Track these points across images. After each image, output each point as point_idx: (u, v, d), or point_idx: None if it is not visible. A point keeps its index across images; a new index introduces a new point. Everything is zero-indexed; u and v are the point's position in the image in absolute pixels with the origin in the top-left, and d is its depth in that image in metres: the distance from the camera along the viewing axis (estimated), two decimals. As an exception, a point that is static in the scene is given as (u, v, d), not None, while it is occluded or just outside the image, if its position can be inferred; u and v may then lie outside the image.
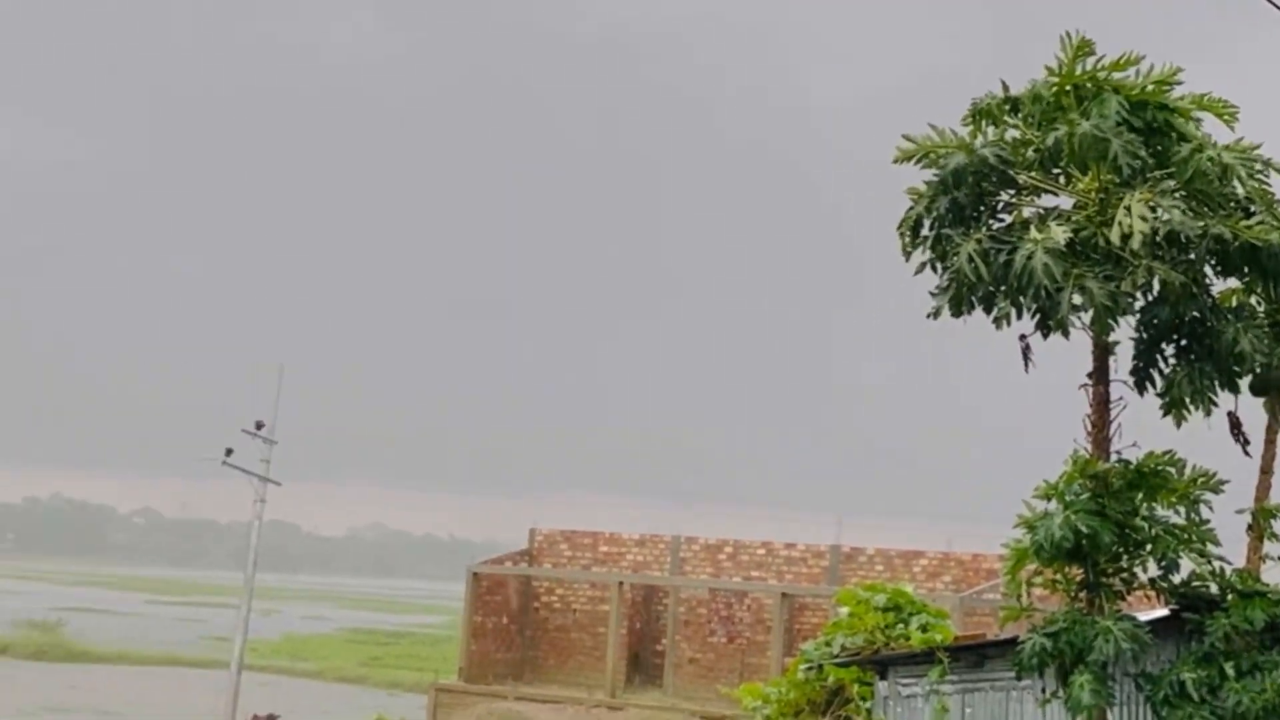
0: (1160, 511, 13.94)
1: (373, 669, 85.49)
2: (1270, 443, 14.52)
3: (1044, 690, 14.47)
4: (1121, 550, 13.80)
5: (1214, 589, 14.07)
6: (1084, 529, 13.30)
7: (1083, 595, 13.80)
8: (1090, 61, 13.41)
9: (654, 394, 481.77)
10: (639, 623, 47.29)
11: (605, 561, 47.25)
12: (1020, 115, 13.81)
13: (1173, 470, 13.90)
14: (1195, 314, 13.58)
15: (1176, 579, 14.03)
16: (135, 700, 66.28)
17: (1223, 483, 14.04)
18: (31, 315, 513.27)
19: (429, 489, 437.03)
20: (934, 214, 13.82)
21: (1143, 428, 14.02)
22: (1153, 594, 14.23)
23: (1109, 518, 13.49)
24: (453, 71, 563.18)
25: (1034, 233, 13.13)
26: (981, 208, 13.82)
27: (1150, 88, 13.40)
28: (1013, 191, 13.90)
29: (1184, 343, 13.76)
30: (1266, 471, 14.50)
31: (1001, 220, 13.85)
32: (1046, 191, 13.83)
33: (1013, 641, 14.62)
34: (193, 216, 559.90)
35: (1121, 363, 13.90)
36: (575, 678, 45.02)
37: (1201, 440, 14.09)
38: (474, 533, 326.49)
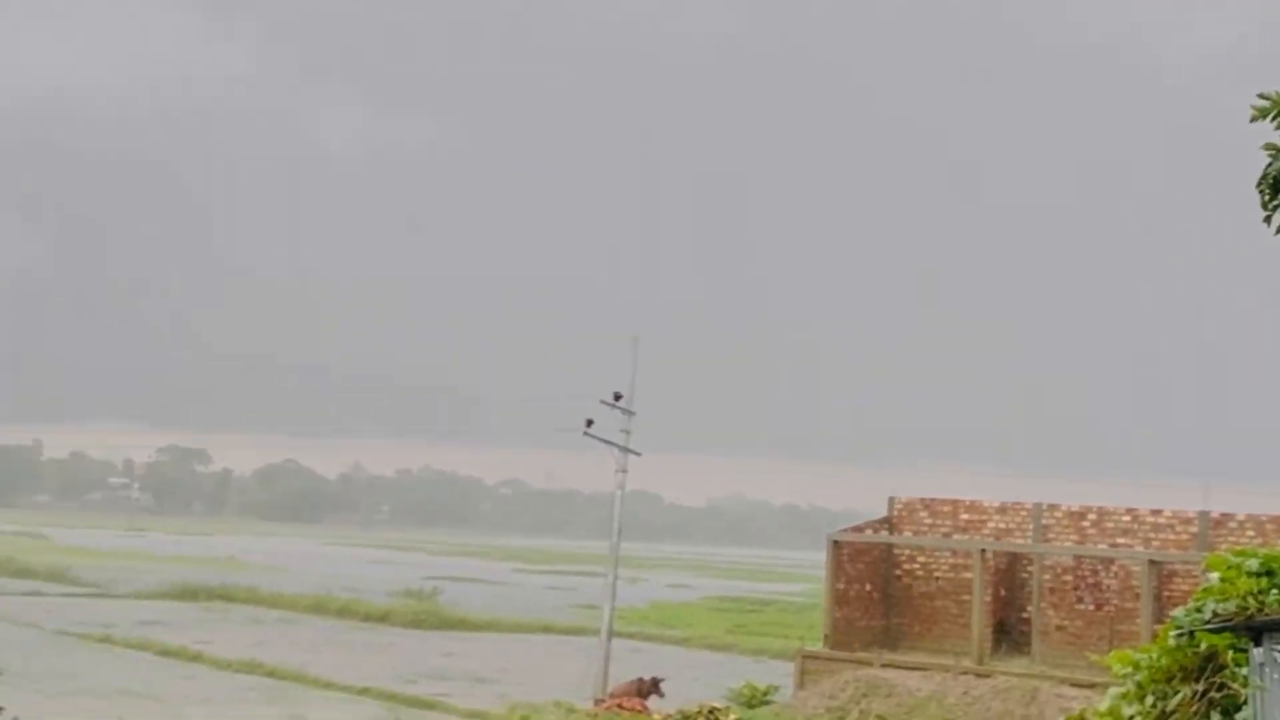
0: None
1: (739, 636, 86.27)
2: None
3: None
4: None
5: None
6: None
7: None
8: None
9: (1011, 362, 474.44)
10: (1003, 590, 46.94)
11: (966, 529, 47.02)
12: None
13: None
14: None
15: None
16: (509, 667, 68.10)
17: None
18: (395, 296, 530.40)
19: (787, 459, 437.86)
20: (1293, 169, 13.57)
21: None
22: None
23: None
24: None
25: (1400, 187, 12.82)
26: (1341, 159, 13.51)
27: None
28: (1373, 144, 13.55)
29: None
30: None
31: (1363, 173, 13.51)
32: None
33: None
34: (542, 192, 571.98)
35: None
36: (940, 645, 44.95)
37: None
38: (833, 502, 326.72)
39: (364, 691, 55.61)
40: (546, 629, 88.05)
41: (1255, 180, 13.96)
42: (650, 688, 38.02)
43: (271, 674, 60.03)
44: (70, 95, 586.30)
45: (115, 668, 60.85)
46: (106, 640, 70.49)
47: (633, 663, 57.64)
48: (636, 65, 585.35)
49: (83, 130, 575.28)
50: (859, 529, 47.50)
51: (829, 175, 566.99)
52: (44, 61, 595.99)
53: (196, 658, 64.82)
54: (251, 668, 61.55)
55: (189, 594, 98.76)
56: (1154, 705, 23.50)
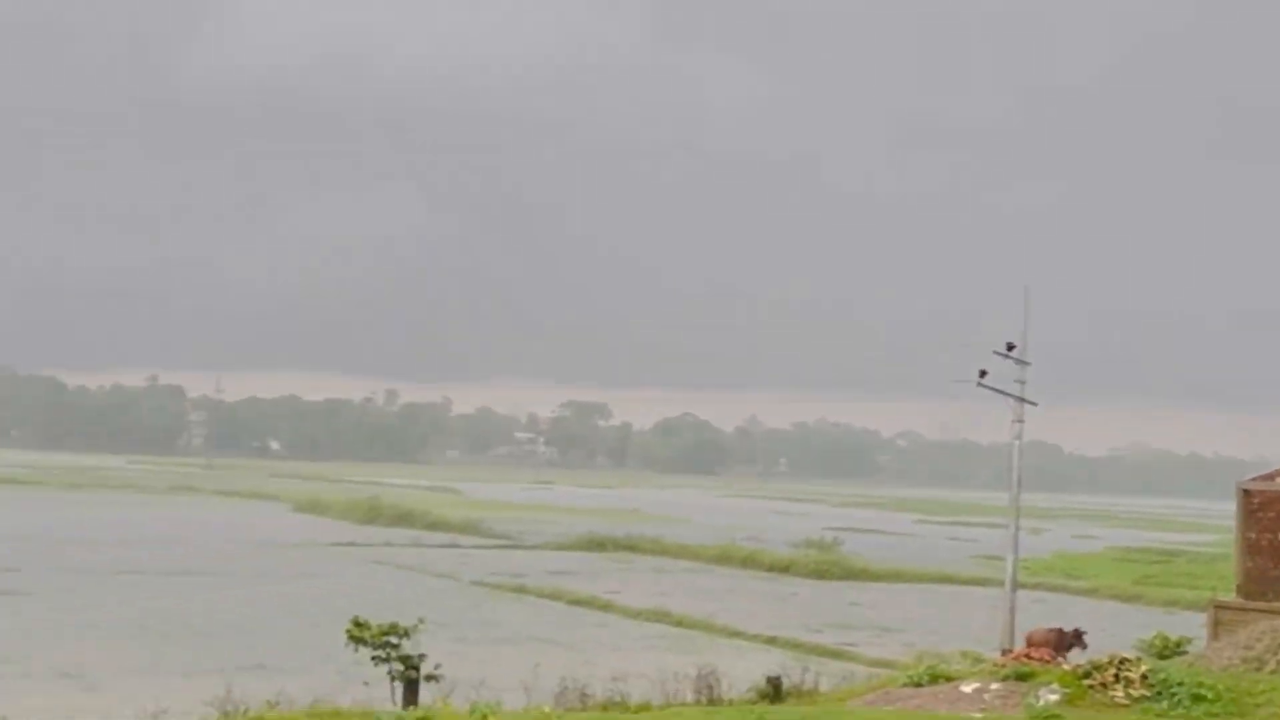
0: None
1: (1147, 587, 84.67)
2: None
3: None
4: None
5: None
6: None
7: None
8: None
9: None
10: None
11: (1387, 475, 45.27)
12: None
13: None
14: None
15: None
16: (913, 616, 68.34)
17: None
18: (788, 254, 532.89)
19: (1190, 407, 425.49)
20: None
21: None
22: None
23: None
24: None
25: None
26: None
27: None
28: None
29: None
30: None
31: None
32: None
33: None
34: (922, 139, 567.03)
35: None
36: (1361, 595, 43.46)
37: None
38: (1241, 450, 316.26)
39: (771, 640, 56.46)
40: (949, 579, 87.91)
41: None
42: (1073, 639, 37.57)
43: (679, 623, 61.40)
44: (466, 64, 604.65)
45: (529, 616, 63.08)
46: (520, 590, 73.05)
47: (1038, 613, 57.31)
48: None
49: (481, 97, 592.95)
50: (1269, 477, 46.17)
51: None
52: (442, 34, 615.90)
53: (606, 607, 66.67)
54: (660, 616, 63.02)
55: (596, 545, 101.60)
56: None
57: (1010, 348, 47.21)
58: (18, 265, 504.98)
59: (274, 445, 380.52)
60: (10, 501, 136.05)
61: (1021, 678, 32.24)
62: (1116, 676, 31.38)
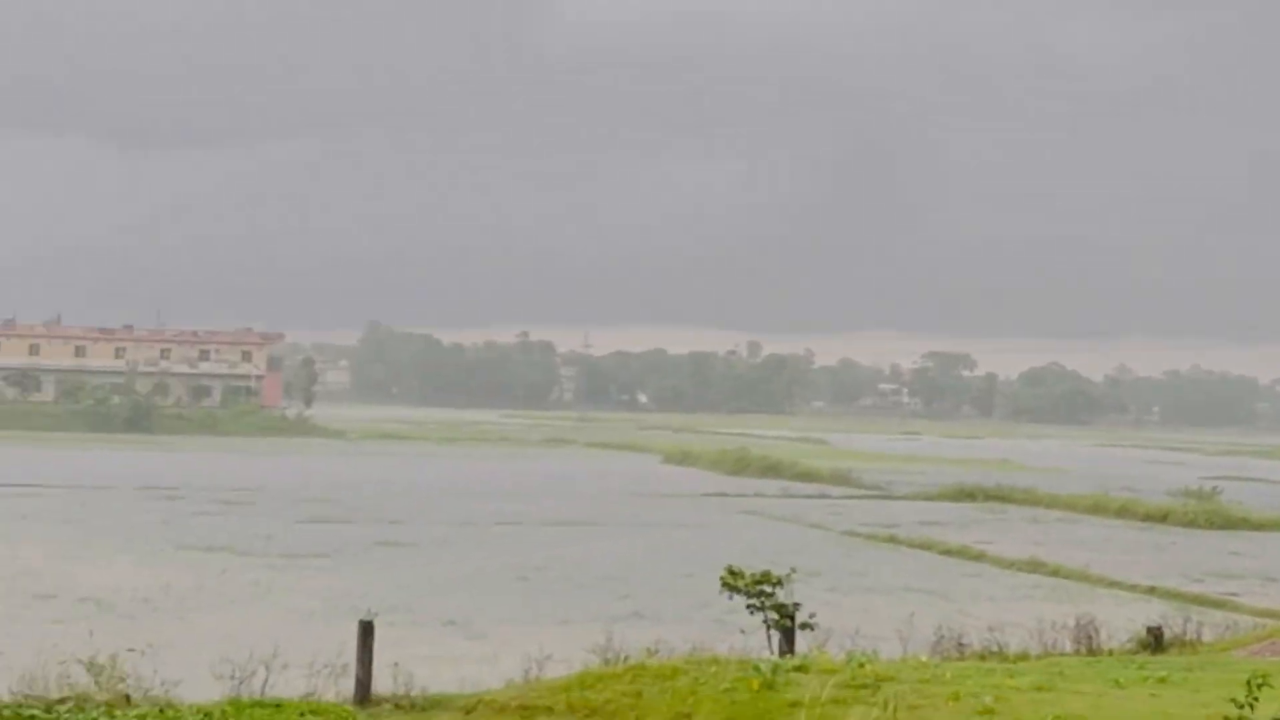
0: None
1: None
2: None
3: None
4: None
5: None
6: None
7: None
8: None
9: None
10: None
11: None
12: None
13: None
14: None
15: None
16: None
17: None
18: (1155, 201, 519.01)
19: None
20: None
21: None
22: None
23: None
24: None
25: None
26: None
27: None
28: None
29: None
30: None
31: None
32: None
33: None
34: None
35: None
36: None
37: None
38: None
39: (1150, 590, 55.15)
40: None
41: None
42: None
43: (1055, 573, 60.38)
44: (825, 22, 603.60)
45: (900, 566, 62.82)
46: (891, 540, 72.78)
47: None
48: None
49: (840, 55, 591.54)
50: None
51: None
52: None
53: (979, 557, 65.98)
54: (1034, 566, 62.08)
55: (966, 495, 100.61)
56: None
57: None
58: (397, 226, 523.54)
59: (641, 398, 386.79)
60: (392, 456, 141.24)
61: None
62: None
